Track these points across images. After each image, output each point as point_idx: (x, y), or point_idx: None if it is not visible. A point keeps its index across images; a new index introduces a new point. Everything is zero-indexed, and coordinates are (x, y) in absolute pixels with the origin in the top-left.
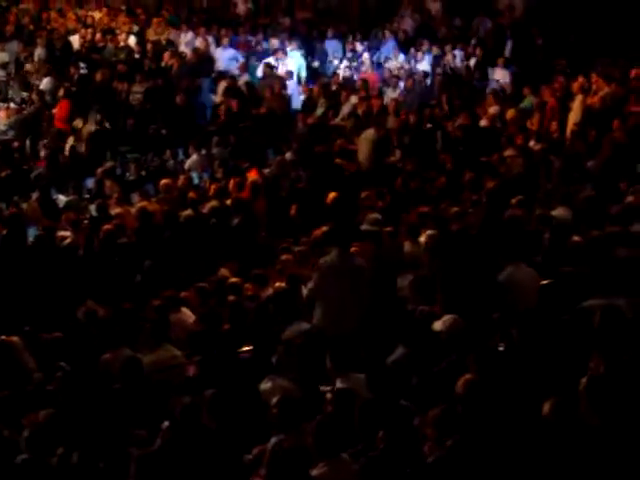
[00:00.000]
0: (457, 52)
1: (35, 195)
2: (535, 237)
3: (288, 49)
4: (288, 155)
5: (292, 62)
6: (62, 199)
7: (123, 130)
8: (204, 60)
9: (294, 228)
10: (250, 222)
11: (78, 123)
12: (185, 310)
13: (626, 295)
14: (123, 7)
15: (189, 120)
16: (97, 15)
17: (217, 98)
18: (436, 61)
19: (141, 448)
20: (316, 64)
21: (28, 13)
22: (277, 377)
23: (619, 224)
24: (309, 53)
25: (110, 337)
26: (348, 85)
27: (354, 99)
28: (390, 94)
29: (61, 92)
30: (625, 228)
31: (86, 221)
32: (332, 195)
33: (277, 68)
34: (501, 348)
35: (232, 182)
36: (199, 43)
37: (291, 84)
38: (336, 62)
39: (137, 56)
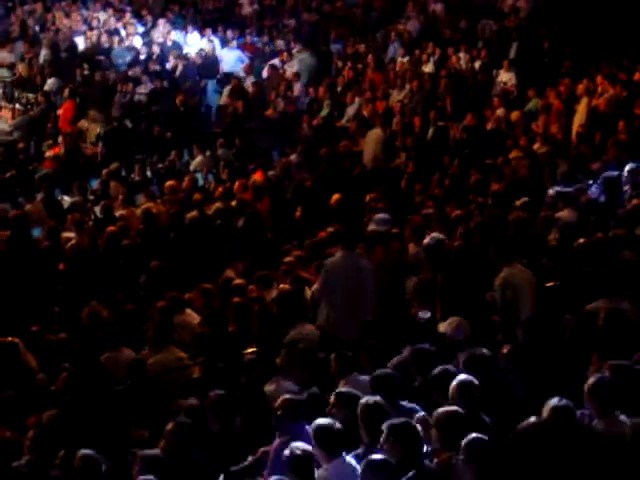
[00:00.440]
0: (462, 54)
1: (40, 196)
2: (540, 239)
3: (294, 51)
4: (293, 157)
5: (302, 63)
6: (67, 200)
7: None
8: (210, 61)
9: (299, 230)
10: (255, 224)
11: (83, 124)
12: (189, 311)
13: (630, 298)
14: (128, 8)
15: (193, 122)
16: (102, 16)
17: (223, 100)
18: (441, 63)
19: (144, 449)
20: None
21: (33, 14)
22: (281, 379)
23: (624, 227)
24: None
25: (111, 337)
26: (354, 87)
27: (359, 101)
28: (395, 96)
29: (66, 93)
30: (630, 231)
31: (91, 222)
32: (336, 197)
33: (282, 70)
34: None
35: (237, 184)
36: (205, 44)
37: (298, 86)
38: (340, 64)
39: (142, 57)
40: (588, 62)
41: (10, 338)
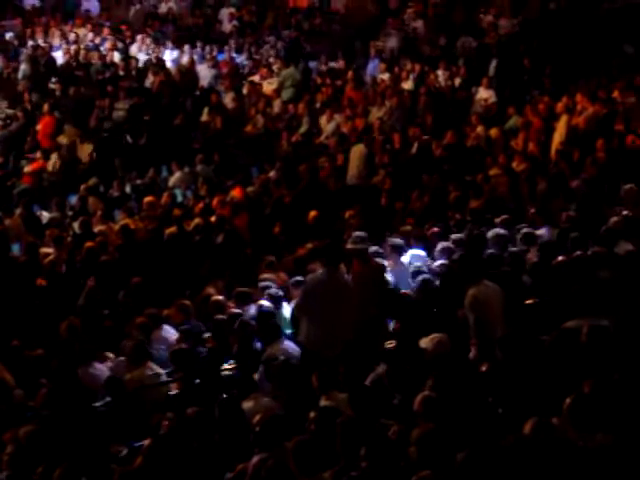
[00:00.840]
0: (441, 71)
1: (18, 211)
2: (519, 257)
3: (275, 67)
4: (272, 173)
5: (287, 79)
6: (45, 215)
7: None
8: (188, 77)
9: (278, 246)
10: (234, 240)
11: (62, 139)
12: (167, 327)
13: (608, 316)
14: (107, 24)
15: (171, 137)
16: (81, 31)
17: (203, 117)
18: (420, 80)
19: (122, 466)
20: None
21: (12, 29)
22: (260, 396)
23: (603, 245)
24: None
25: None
26: (332, 103)
27: (338, 118)
28: (375, 113)
29: (45, 108)
30: (609, 249)
31: (69, 238)
32: (313, 214)
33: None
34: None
35: (216, 200)
36: (184, 60)
37: (277, 102)
38: (319, 80)
39: (121, 73)
40: (567, 80)
41: None
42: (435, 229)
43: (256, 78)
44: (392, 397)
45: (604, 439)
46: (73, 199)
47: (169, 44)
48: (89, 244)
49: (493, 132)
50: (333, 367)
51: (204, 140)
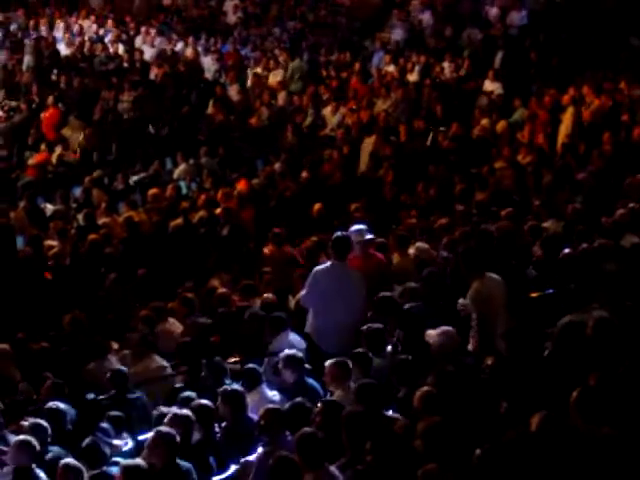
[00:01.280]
0: (446, 63)
1: (22, 204)
2: (525, 250)
3: (281, 59)
4: (277, 166)
5: (295, 70)
6: (50, 208)
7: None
8: (193, 69)
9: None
10: (239, 232)
11: (67, 131)
12: (172, 320)
13: (612, 308)
14: (112, 15)
15: (176, 129)
16: (85, 23)
17: (209, 109)
18: (426, 72)
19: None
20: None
21: (16, 21)
22: (265, 389)
23: (609, 237)
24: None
25: (96, 346)
26: (338, 95)
27: (343, 110)
28: (380, 105)
29: (50, 100)
30: (615, 241)
31: (73, 230)
32: (317, 206)
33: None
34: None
35: (221, 192)
36: (188, 52)
37: (282, 95)
38: (325, 72)
39: (126, 65)
40: (574, 72)
41: None
42: (442, 221)
43: (260, 70)
44: (397, 390)
45: (611, 431)
46: (77, 191)
47: (173, 36)
48: (93, 236)
49: (499, 125)
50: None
51: (209, 132)
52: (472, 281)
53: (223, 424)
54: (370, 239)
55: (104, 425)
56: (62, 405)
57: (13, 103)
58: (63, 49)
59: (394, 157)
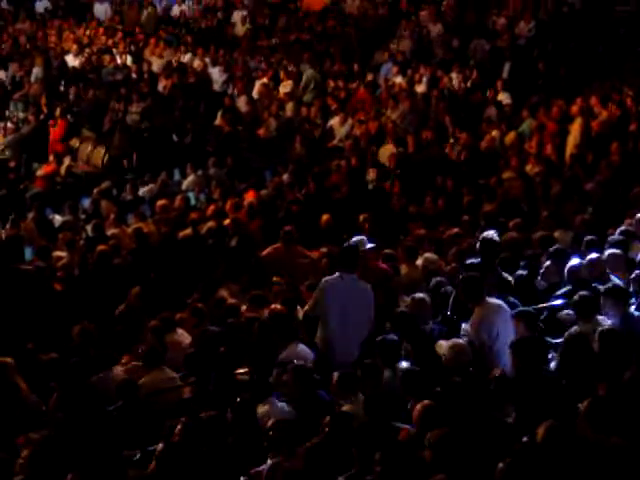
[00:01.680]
0: (454, 74)
1: (31, 215)
2: (534, 260)
3: (290, 68)
4: (285, 176)
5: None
6: (58, 219)
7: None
8: (201, 80)
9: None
10: (247, 243)
11: (75, 143)
12: (181, 331)
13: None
14: (120, 27)
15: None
16: (94, 34)
17: (217, 120)
18: (434, 83)
19: (136, 470)
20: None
21: (24, 33)
22: (275, 400)
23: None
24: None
25: (103, 357)
26: (346, 106)
27: (351, 120)
28: (388, 116)
29: (57, 112)
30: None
31: (82, 241)
32: (325, 217)
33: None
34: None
35: (229, 203)
36: (197, 64)
37: (290, 106)
38: (333, 83)
39: (134, 76)
40: (582, 83)
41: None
42: (450, 232)
43: (267, 81)
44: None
45: (620, 440)
46: (86, 202)
47: (182, 47)
48: (101, 247)
49: (509, 136)
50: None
51: (217, 143)
52: (473, 307)
53: None
54: (369, 249)
55: None
56: None
57: (21, 114)
58: (71, 60)
59: (401, 168)
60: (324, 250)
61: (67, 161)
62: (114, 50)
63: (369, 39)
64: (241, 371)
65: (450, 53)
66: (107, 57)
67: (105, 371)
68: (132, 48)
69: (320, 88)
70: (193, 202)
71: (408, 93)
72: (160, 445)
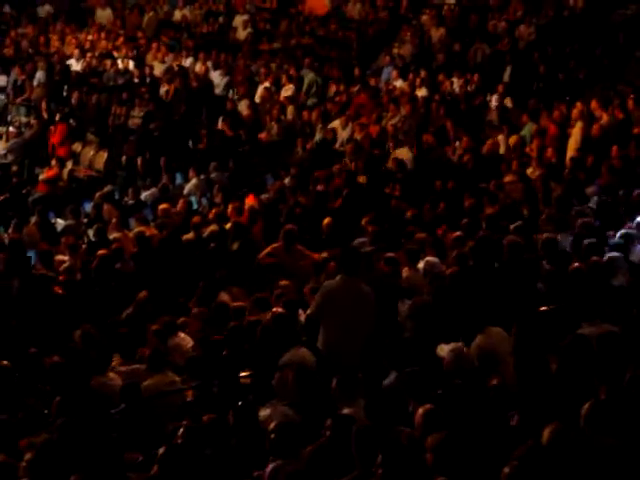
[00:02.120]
0: (455, 78)
1: (34, 219)
2: (534, 263)
3: (291, 73)
4: (287, 180)
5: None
6: (60, 223)
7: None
8: (203, 85)
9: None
10: (249, 247)
11: (77, 147)
12: (183, 335)
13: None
14: (122, 31)
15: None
16: (96, 39)
17: (219, 124)
18: (434, 87)
19: (138, 473)
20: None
21: (26, 37)
22: (277, 403)
23: (618, 251)
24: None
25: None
26: (346, 110)
27: (351, 125)
28: (389, 120)
29: (57, 116)
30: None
31: (84, 245)
32: (327, 221)
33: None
34: None
35: (231, 207)
36: (198, 68)
37: (290, 109)
38: (334, 87)
39: (136, 80)
40: (582, 86)
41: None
42: (455, 234)
43: (269, 85)
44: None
45: (622, 442)
46: (88, 206)
47: (183, 52)
48: (102, 252)
49: (511, 139)
50: (353, 375)
51: (219, 147)
52: (475, 335)
53: None
54: (370, 252)
55: None
56: None
57: (24, 119)
58: (74, 65)
59: (401, 172)
60: (324, 255)
61: (69, 165)
62: (116, 54)
63: (370, 43)
64: (243, 374)
65: (451, 57)
66: (109, 61)
67: (101, 376)
68: (134, 52)
69: (321, 92)
70: (195, 206)
71: (409, 97)
72: (162, 448)
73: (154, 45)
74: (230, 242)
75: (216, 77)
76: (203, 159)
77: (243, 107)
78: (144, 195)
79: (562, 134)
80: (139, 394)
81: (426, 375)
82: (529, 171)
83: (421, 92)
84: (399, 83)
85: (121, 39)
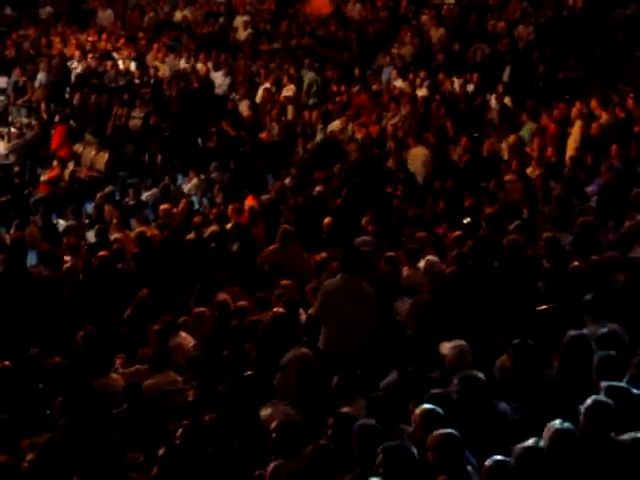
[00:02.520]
0: (455, 78)
1: (36, 220)
2: (534, 262)
3: (291, 73)
4: (287, 181)
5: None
6: (62, 223)
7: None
8: (204, 85)
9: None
10: (249, 248)
11: (78, 148)
12: (184, 334)
13: (622, 321)
14: (123, 32)
15: (187, 145)
16: (97, 40)
17: (221, 124)
18: (435, 87)
19: (140, 473)
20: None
21: (28, 38)
22: (278, 403)
23: (618, 249)
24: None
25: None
26: (347, 110)
27: (352, 125)
28: (389, 120)
29: (57, 117)
30: (624, 253)
31: (85, 246)
32: (327, 220)
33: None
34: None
35: (231, 207)
36: (199, 69)
37: (291, 109)
38: (335, 88)
39: (137, 81)
40: (582, 86)
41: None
42: (456, 233)
43: (269, 85)
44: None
45: (624, 439)
46: (89, 207)
47: (184, 52)
48: (103, 253)
49: (511, 139)
50: (353, 374)
51: (219, 147)
52: None
53: None
54: (365, 252)
55: None
56: None
57: (25, 120)
58: (75, 66)
59: (403, 170)
60: (324, 255)
61: (71, 166)
62: (116, 55)
63: (370, 43)
64: (244, 374)
65: (451, 57)
66: (109, 62)
67: (102, 378)
68: (134, 53)
69: (321, 92)
70: (196, 206)
71: (409, 97)
72: (162, 448)
73: (155, 46)
74: (230, 243)
75: (218, 78)
76: (203, 159)
77: (244, 107)
78: (145, 195)
79: (562, 133)
80: (140, 394)
81: (428, 373)
82: (529, 170)
83: (421, 92)
84: (399, 83)
85: (122, 40)
